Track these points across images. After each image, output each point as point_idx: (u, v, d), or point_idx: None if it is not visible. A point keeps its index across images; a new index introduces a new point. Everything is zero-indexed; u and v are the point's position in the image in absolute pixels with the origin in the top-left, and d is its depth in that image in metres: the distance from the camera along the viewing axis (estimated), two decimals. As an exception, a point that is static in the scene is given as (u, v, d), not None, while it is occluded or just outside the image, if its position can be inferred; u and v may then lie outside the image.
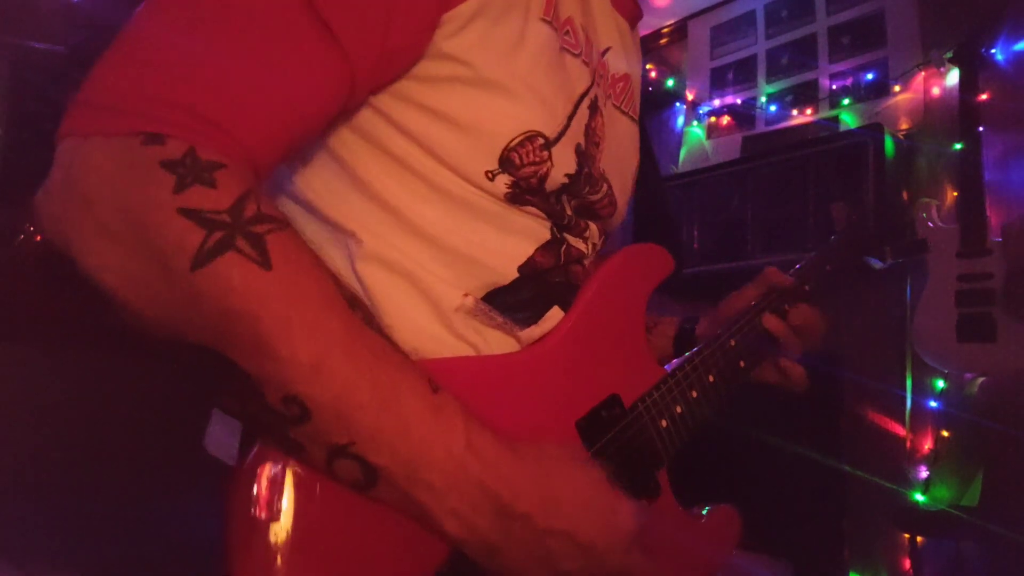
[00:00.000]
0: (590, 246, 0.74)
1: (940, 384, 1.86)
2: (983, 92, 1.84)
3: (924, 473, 1.85)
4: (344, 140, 0.60)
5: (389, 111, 0.59)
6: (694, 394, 0.77)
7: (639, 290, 0.75)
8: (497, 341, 0.64)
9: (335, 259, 0.61)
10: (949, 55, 1.95)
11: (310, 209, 0.62)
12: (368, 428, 0.48)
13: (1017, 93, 1.85)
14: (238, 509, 0.50)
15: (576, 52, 0.67)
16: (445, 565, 0.55)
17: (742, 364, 0.86)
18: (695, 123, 2.63)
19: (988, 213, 1.77)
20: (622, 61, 0.76)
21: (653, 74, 2.72)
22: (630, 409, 0.71)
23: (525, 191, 0.63)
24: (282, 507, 0.50)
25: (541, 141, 0.61)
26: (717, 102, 2.58)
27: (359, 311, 0.54)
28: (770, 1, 2.48)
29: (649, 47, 2.84)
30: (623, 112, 0.78)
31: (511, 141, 0.60)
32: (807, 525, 1.74)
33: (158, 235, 0.44)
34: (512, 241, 0.64)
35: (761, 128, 2.43)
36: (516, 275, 0.65)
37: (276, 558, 0.49)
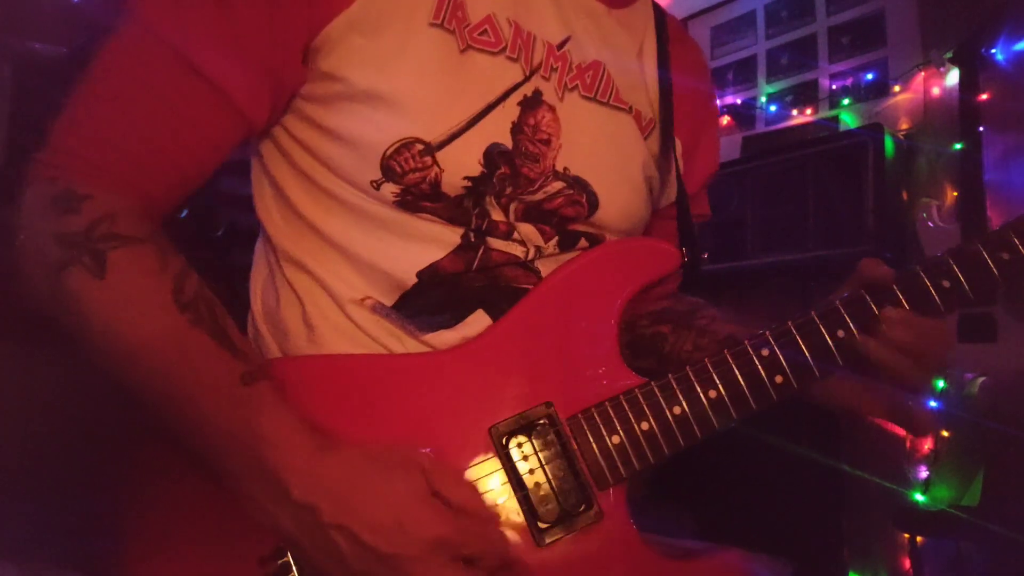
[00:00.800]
0: (531, 248, 0.69)
1: (940, 384, 1.86)
2: (983, 92, 1.84)
3: (924, 473, 1.85)
4: (270, 154, 0.68)
5: (291, 128, 0.66)
6: (676, 411, 0.62)
7: (614, 290, 0.66)
8: (408, 346, 0.65)
9: (265, 266, 0.71)
10: (949, 55, 1.95)
11: (262, 227, 0.71)
12: (174, 412, 0.56)
13: (1017, 93, 1.85)
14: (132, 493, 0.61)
15: (494, 50, 0.66)
16: (272, 553, 0.58)
17: (779, 380, 0.65)
18: (695, 123, 2.63)
19: (988, 213, 1.77)
20: (590, 48, 0.71)
21: (653, 74, 2.72)
22: (567, 420, 0.62)
23: (419, 197, 0.63)
24: (153, 486, 0.62)
25: (420, 147, 0.62)
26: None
27: (205, 319, 0.58)
28: (770, 1, 2.48)
29: (649, 47, 2.84)
30: (598, 102, 0.71)
31: (387, 150, 0.61)
32: (807, 525, 1.74)
33: (42, 251, 0.57)
34: (415, 248, 0.65)
35: (761, 128, 2.43)
36: (415, 280, 0.65)
37: (150, 526, 0.60)
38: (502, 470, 0.60)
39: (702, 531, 1.48)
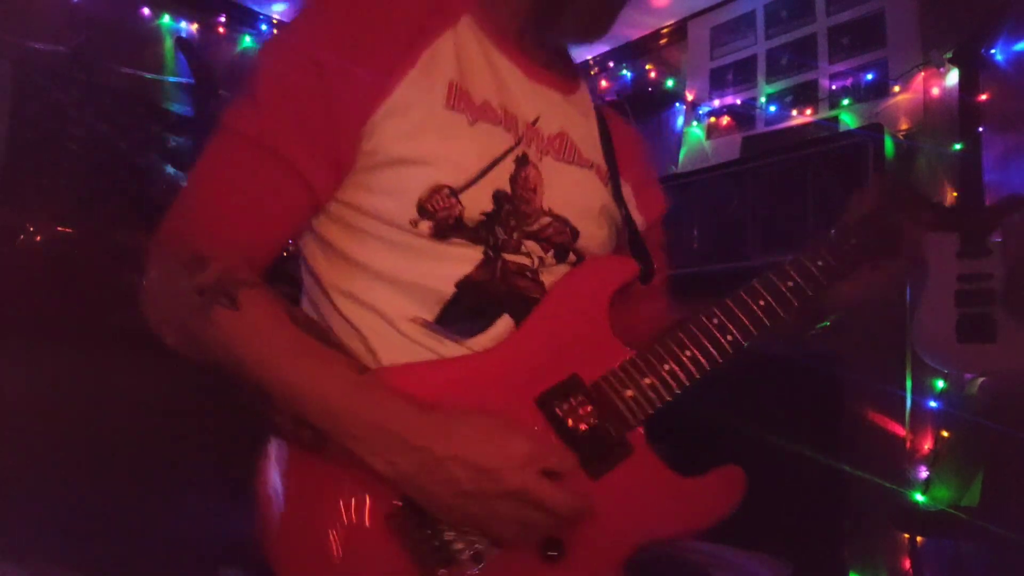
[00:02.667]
0: (535, 259, 0.88)
1: (940, 384, 1.86)
2: (983, 92, 1.84)
3: (924, 473, 1.85)
4: (318, 218, 0.87)
5: (339, 194, 0.84)
6: (666, 367, 0.83)
7: (600, 290, 0.88)
8: (456, 351, 0.82)
9: (320, 303, 0.87)
10: (949, 55, 1.95)
11: (313, 274, 0.88)
12: (306, 400, 0.71)
13: (1017, 93, 1.85)
14: (260, 489, 0.77)
15: (495, 122, 0.87)
16: (394, 509, 0.73)
17: (729, 339, 0.85)
18: (695, 123, 2.63)
19: (988, 213, 1.77)
20: (554, 122, 0.94)
21: (653, 74, 2.73)
22: (590, 384, 0.82)
23: (448, 229, 0.82)
24: (282, 480, 0.76)
25: (447, 191, 0.81)
26: (717, 102, 2.58)
27: (314, 332, 0.78)
28: (770, 1, 2.48)
29: (649, 47, 2.84)
30: (566, 162, 0.94)
31: (422, 195, 0.80)
32: (807, 525, 1.74)
33: (180, 304, 0.74)
34: (447, 266, 0.83)
35: (761, 128, 2.43)
36: (454, 290, 0.83)
37: (281, 511, 0.75)
38: (552, 430, 0.78)
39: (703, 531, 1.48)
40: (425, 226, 0.81)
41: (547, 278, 0.88)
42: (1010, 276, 1.68)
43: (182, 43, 2.50)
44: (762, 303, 0.87)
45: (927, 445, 1.88)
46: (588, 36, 0.91)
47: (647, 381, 0.82)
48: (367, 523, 0.73)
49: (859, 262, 0.93)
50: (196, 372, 0.80)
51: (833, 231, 0.94)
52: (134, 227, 2.23)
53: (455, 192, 0.81)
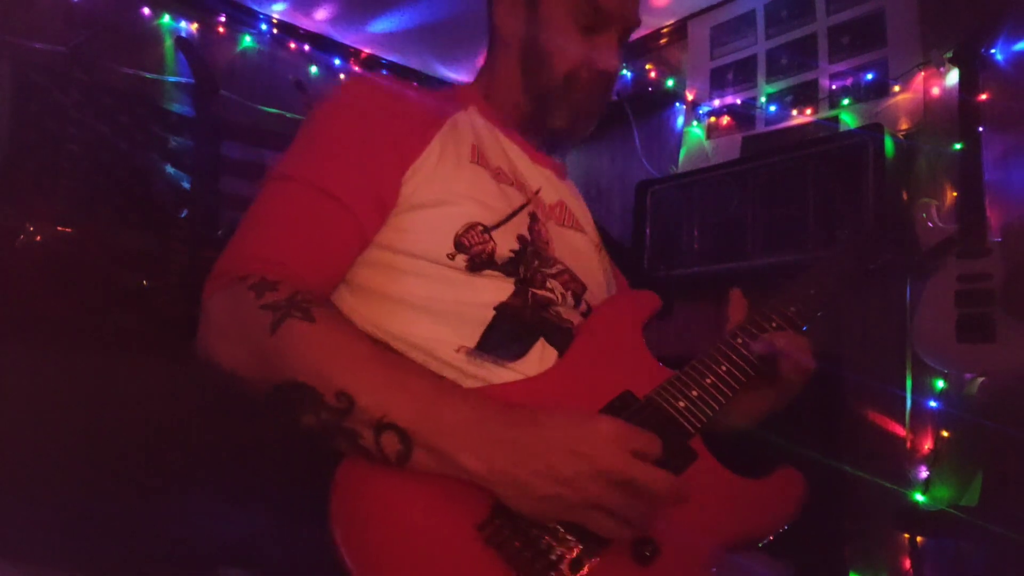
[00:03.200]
0: (558, 295, 0.95)
1: (940, 384, 1.86)
2: (983, 92, 1.84)
3: (924, 473, 1.85)
4: (354, 271, 0.91)
5: (376, 238, 0.89)
6: (708, 380, 0.89)
7: (634, 319, 0.96)
8: (503, 375, 0.85)
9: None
10: (949, 55, 1.95)
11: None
12: (393, 401, 0.70)
13: (1017, 93, 1.85)
14: (337, 511, 0.71)
15: (509, 183, 0.97)
16: (485, 520, 0.71)
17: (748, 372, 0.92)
18: (695, 123, 2.63)
19: (988, 213, 1.77)
20: (553, 194, 1.06)
21: (653, 74, 2.72)
22: (644, 399, 0.86)
23: (480, 264, 0.88)
24: (364, 501, 0.71)
25: (481, 227, 0.89)
26: (717, 102, 2.58)
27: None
28: (770, 1, 2.48)
29: (649, 47, 2.84)
30: (567, 227, 1.06)
31: (459, 230, 0.87)
32: (807, 525, 1.73)
33: (251, 322, 0.75)
34: (484, 293, 0.88)
35: (761, 128, 2.43)
36: (494, 313, 0.88)
37: (367, 533, 0.70)
38: (620, 419, 0.79)
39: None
40: (461, 259, 0.87)
41: (567, 316, 0.94)
42: (1010, 276, 1.68)
43: (182, 43, 2.50)
44: (775, 325, 0.95)
45: (927, 445, 1.88)
46: (572, 137, 1.06)
47: (694, 393, 0.86)
48: (461, 535, 0.71)
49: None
50: (196, 371, 0.80)
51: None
52: (134, 227, 2.23)
53: (488, 229, 0.89)
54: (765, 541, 0.84)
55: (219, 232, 2.22)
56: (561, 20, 0.99)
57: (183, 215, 2.20)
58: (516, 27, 1.03)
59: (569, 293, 0.97)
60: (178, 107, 2.49)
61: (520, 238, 0.93)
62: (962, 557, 1.78)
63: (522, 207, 0.96)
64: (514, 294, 0.90)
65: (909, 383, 1.94)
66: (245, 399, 0.78)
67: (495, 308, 0.88)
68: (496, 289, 0.89)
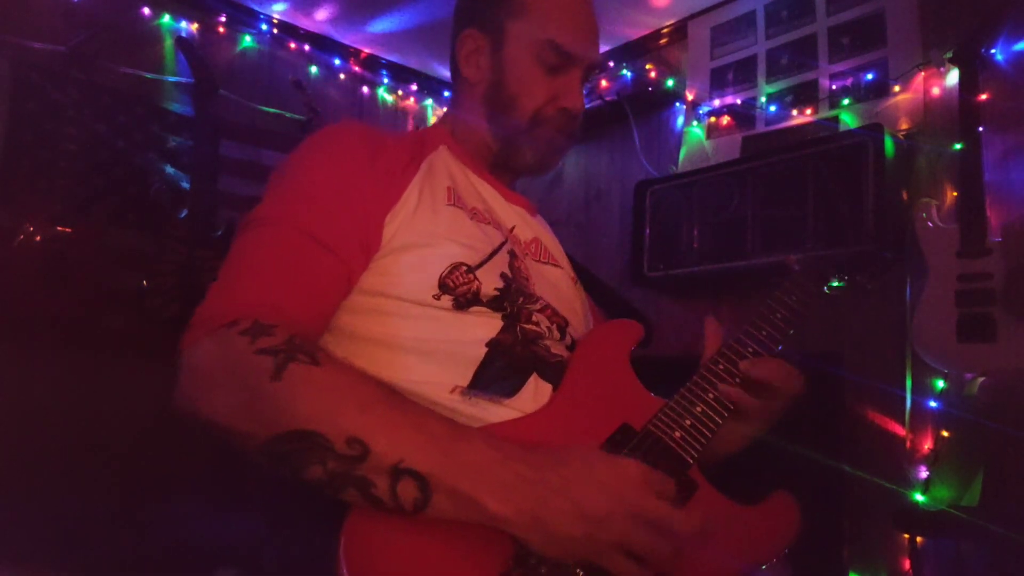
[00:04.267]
0: (545, 329, 0.95)
1: (940, 384, 1.86)
2: (983, 92, 1.84)
3: (924, 473, 1.85)
4: (338, 318, 0.89)
5: (359, 283, 0.89)
6: (698, 409, 0.89)
7: (620, 349, 0.96)
8: (501, 413, 0.83)
9: None
10: (949, 55, 1.94)
11: None
12: (410, 444, 0.67)
13: (1017, 93, 1.85)
14: (349, 569, 0.66)
15: (486, 222, 0.99)
16: (506, 569, 0.69)
17: (738, 380, 0.94)
18: (695, 123, 2.63)
19: (988, 213, 1.77)
20: (528, 231, 1.08)
21: (653, 74, 2.72)
22: (641, 430, 0.86)
23: (466, 303, 0.88)
24: (378, 554, 0.67)
25: (465, 268, 0.89)
26: (717, 102, 2.58)
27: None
28: (770, 1, 2.48)
29: (649, 47, 2.84)
30: (543, 263, 1.07)
31: (443, 272, 0.88)
32: (807, 525, 1.73)
33: (246, 369, 0.70)
34: (474, 330, 0.88)
35: (761, 128, 2.43)
36: (486, 349, 0.87)
37: None
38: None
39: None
40: (447, 300, 0.87)
41: (555, 350, 0.94)
42: (1010, 276, 1.68)
43: (182, 43, 2.50)
44: (751, 350, 0.96)
45: (927, 445, 1.88)
46: (539, 172, 1.08)
47: (687, 422, 0.87)
48: None
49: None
50: (280, 471, 0.72)
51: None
52: (133, 227, 2.23)
53: (472, 269, 0.90)
54: (768, 562, 0.85)
55: (218, 232, 2.21)
56: (526, 63, 1.01)
57: (182, 215, 2.20)
58: (481, 71, 1.05)
59: (554, 326, 0.98)
60: (177, 107, 2.49)
61: (503, 276, 0.94)
62: (962, 557, 1.78)
63: (501, 245, 0.97)
64: (503, 329, 0.90)
65: (909, 383, 1.94)
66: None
67: (487, 344, 0.88)
68: (485, 325, 0.89)
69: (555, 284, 1.06)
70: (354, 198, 0.88)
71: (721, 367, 0.93)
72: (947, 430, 1.83)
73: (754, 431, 0.98)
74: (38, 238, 1.98)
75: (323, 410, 0.67)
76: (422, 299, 0.87)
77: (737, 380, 0.92)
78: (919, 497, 1.82)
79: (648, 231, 2.46)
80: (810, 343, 2.03)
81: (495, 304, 0.91)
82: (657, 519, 0.68)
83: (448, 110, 1.13)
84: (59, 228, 2.02)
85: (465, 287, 0.89)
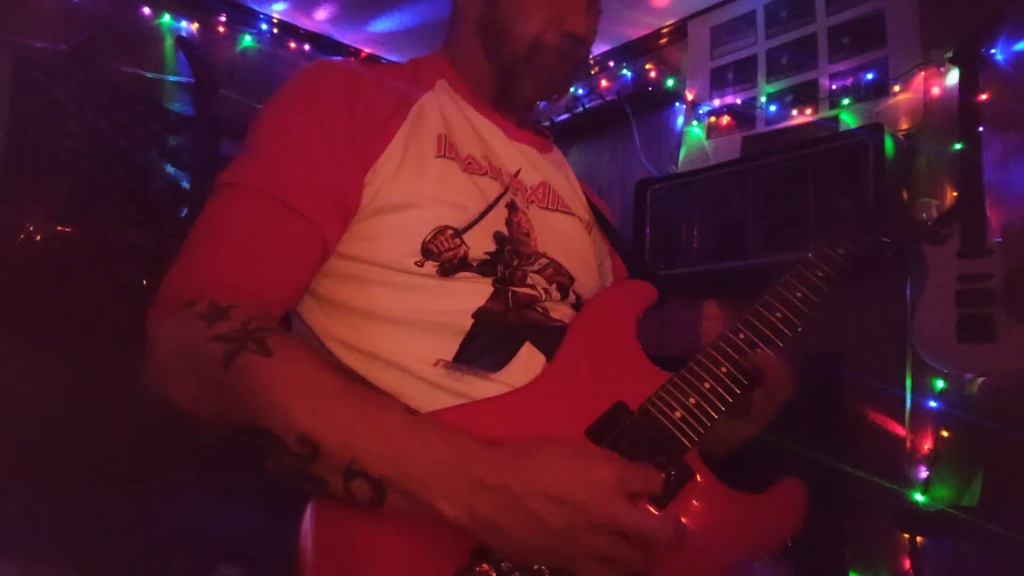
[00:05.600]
0: (541, 291, 0.88)
1: (940, 384, 1.86)
2: (983, 92, 1.84)
3: (924, 473, 1.85)
4: (316, 280, 0.83)
5: (339, 247, 0.82)
6: (706, 385, 0.81)
7: (626, 317, 0.87)
8: (486, 388, 0.77)
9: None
10: (949, 55, 1.95)
11: (316, 338, 0.83)
12: (362, 445, 0.63)
13: (1017, 93, 1.85)
14: (305, 558, 0.66)
15: (481, 173, 0.89)
16: (466, 566, 0.66)
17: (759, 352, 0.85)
18: (695, 123, 2.63)
19: (988, 213, 1.77)
20: (535, 175, 0.97)
21: (653, 74, 2.72)
22: (638, 410, 0.79)
23: (452, 268, 0.81)
24: (333, 550, 0.66)
25: (451, 231, 0.82)
26: (717, 102, 2.58)
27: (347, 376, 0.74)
28: (770, 1, 2.48)
29: (649, 47, 2.84)
30: (551, 210, 0.97)
31: (426, 236, 0.80)
32: (807, 525, 1.73)
33: (202, 357, 0.67)
34: (460, 299, 0.81)
35: (761, 128, 2.43)
36: (472, 321, 0.81)
37: None
38: (618, 457, 0.71)
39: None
40: (431, 267, 0.80)
41: (555, 314, 0.87)
42: (1010, 276, 1.68)
43: (182, 42, 2.50)
44: (779, 315, 0.86)
45: (927, 445, 1.88)
46: (548, 95, 0.98)
47: (691, 401, 0.79)
48: None
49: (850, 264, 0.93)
50: (241, 456, 0.71)
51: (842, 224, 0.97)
52: (133, 225, 2.23)
53: (459, 233, 0.82)
54: (764, 556, 0.79)
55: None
56: None
57: (182, 214, 2.20)
58: None
59: (554, 287, 0.89)
60: (178, 106, 2.49)
61: (497, 236, 0.85)
62: (962, 557, 1.78)
63: (498, 199, 0.88)
64: (493, 296, 0.82)
65: (909, 383, 1.94)
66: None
67: (473, 315, 0.81)
68: (472, 293, 0.82)
69: (562, 234, 0.95)
70: (328, 156, 0.80)
71: (742, 336, 0.84)
72: (947, 430, 1.83)
73: (753, 427, 0.90)
74: (39, 237, 1.98)
75: (273, 407, 0.64)
76: (404, 266, 0.80)
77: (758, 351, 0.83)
78: (919, 497, 1.83)
79: (648, 231, 2.46)
80: (810, 343, 2.03)
81: (485, 268, 0.83)
82: (626, 528, 0.63)
83: (445, 40, 1.01)
84: (60, 228, 2.02)
85: (451, 252, 0.81)
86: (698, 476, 0.77)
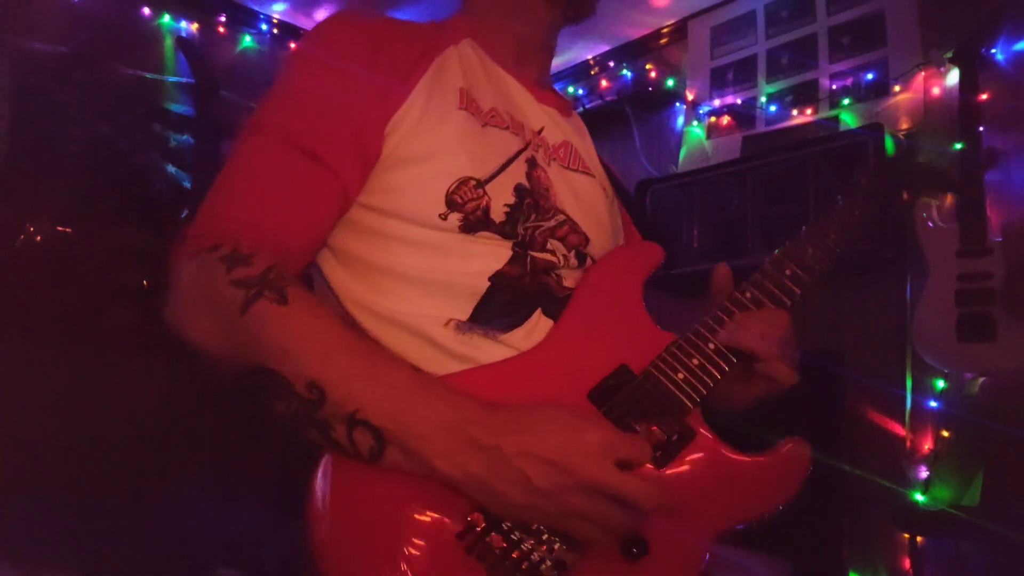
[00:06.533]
0: (560, 257, 0.89)
1: (940, 384, 1.86)
2: (983, 92, 1.84)
3: (924, 473, 1.85)
4: (336, 233, 0.85)
5: (361, 198, 0.83)
6: (711, 347, 0.82)
7: (632, 279, 0.88)
8: (493, 351, 0.79)
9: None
10: (949, 55, 1.95)
11: (336, 296, 0.84)
12: (366, 396, 0.66)
13: (1017, 93, 1.85)
14: (312, 510, 0.69)
15: (503, 127, 0.90)
16: (465, 527, 0.69)
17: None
18: (695, 123, 2.63)
19: (988, 213, 1.77)
20: (558, 134, 0.98)
21: (653, 74, 2.72)
22: (641, 373, 0.80)
23: (475, 222, 0.82)
24: (338, 499, 0.69)
25: (474, 182, 0.83)
26: (717, 102, 2.58)
27: (361, 330, 0.77)
28: (770, 1, 2.48)
29: (649, 47, 2.84)
30: (572, 170, 0.98)
31: (450, 187, 0.81)
32: (807, 524, 1.73)
33: (220, 300, 0.70)
34: (479, 261, 0.82)
35: (761, 128, 2.43)
36: (488, 284, 0.82)
37: (344, 534, 0.68)
38: (610, 423, 0.75)
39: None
40: (455, 219, 0.81)
41: (568, 281, 0.88)
42: (1010, 275, 1.68)
43: (182, 43, 2.51)
44: (788, 272, 0.89)
45: (927, 445, 1.88)
46: (579, 14, 0.99)
47: (695, 362, 0.80)
48: (438, 542, 0.68)
49: (863, 228, 0.95)
50: (195, 371, 0.76)
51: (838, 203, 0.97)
52: (134, 226, 2.23)
53: (481, 183, 0.83)
54: (761, 519, 0.79)
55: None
56: None
57: (183, 215, 2.20)
58: None
59: (572, 253, 0.90)
60: (178, 107, 2.49)
61: (517, 188, 0.86)
62: (962, 557, 1.78)
63: (519, 153, 0.89)
64: (511, 260, 0.84)
65: (909, 383, 1.94)
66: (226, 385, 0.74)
67: (490, 279, 0.82)
68: (492, 256, 0.83)
69: (581, 194, 0.96)
70: (350, 104, 0.81)
71: (749, 295, 0.86)
72: (947, 430, 1.83)
73: (757, 393, 0.89)
74: (39, 238, 1.98)
75: (285, 352, 0.67)
76: (428, 219, 0.81)
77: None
78: (919, 497, 1.83)
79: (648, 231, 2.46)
80: (810, 342, 2.04)
81: (506, 227, 0.84)
82: (610, 491, 0.66)
83: (464, 2, 1.03)
84: (60, 228, 2.02)
85: (474, 203, 0.82)
86: (699, 437, 0.78)
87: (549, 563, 0.69)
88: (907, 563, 1.86)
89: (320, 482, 0.69)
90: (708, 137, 2.59)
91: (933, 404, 1.87)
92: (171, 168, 2.38)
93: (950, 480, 1.82)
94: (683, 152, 2.64)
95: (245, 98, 2.63)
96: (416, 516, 0.69)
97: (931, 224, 1.84)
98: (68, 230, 2.03)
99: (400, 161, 0.82)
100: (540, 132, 0.96)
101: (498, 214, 0.84)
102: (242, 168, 0.81)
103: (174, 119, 2.45)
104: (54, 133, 2.13)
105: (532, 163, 0.90)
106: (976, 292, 1.72)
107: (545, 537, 0.69)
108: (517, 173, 0.87)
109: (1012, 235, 1.72)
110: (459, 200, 0.81)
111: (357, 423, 0.66)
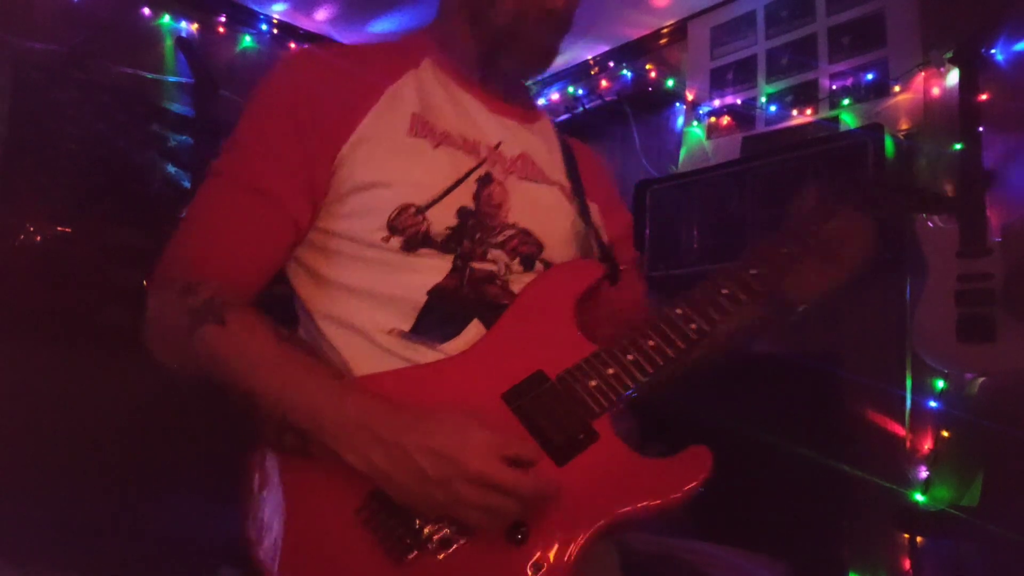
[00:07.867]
0: (502, 266, 0.95)
1: (940, 384, 1.86)
2: (983, 92, 1.84)
3: (924, 473, 1.85)
4: (301, 249, 0.95)
5: (318, 222, 0.93)
6: (629, 357, 0.86)
7: (568, 293, 0.95)
8: (431, 358, 0.88)
9: (308, 328, 0.95)
10: (949, 55, 1.95)
11: (300, 301, 0.96)
12: (289, 401, 0.77)
13: (1017, 93, 1.85)
14: (243, 490, 0.82)
15: (457, 147, 0.96)
16: (363, 504, 0.78)
17: (693, 327, 0.88)
18: (695, 123, 2.63)
19: (988, 214, 1.77)
20: (516, 147, 1.03)
21: (653, 74, 2.72)
22: (555, 378, 0.86)
23: (416, 243, 0.90)
24: (262, 480, 0.82)
25: (414, 209, 0.90)
26: (717, 102, 2.58)
27: (296, 345, 0.85)
28: (770, 1, 2.48)
29: (649, 47, 2.84)
30: (529, 180, 1.02)
31: (391, 214, 0.89)
32: (806, 525, 1.74)
33: (175, 326, 0.82)
34: (419, 276, 0.90)
35: (761, 128, 2.43)
36: (426, 297, 0.90)
37: (262, 509, 0.81)
38: (519, 422, 0.83)
39: (702, 531, 1.47)
40: (396, 241, 0.90)
41: (515, 286, 0.96)
42: (1010, 276, 1.68)
43: (182, 43, 2.50)
44: (725, 291, 0.89)
45: (927, 445, 1.88)
46: (530, 73, 1.06)
47: (611, 371, 0.86)
48: (341, 517, 0.78)
49: (809, 251, 0.95)
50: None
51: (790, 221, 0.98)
52: (133, 225, 2.23)
53: (421, 210, 0.91)
54: (659, 520, 0.82)
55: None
56: None
57: (183, 214, 2.20)
58: None
59: (516, 260, 0.97)
60: (178, 107, 2.49)
61: (461, 211, 0.93)
62: (962, 557, 1.78)
63: (469, 173, 0.95)
64: (451, 273, 0.92)
65: (909, 383, 1.94)
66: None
67: (428, 292, 0.91)
68: (432, 270, 0.91)
69: (539, 203, 1.02)
70: (298, 142, 0.90)
71: (679, 312, 0.88)
72: (947, 430, 1.83)
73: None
74: (38, 238, 1.98)
75: (224, 367, 0.79)
76: (372, 240, 0.90)
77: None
78: (919, 497, 1.83)
79: (648, 231, 2.46)
80: (810, 343, 2.03)
81: (448, 243, 0.92)
82: (493, 483, 0.72)
83: (434, 20, 1.08)
84: (59, 228, 2.02)
85: (414, 228, 0.90)
86: (603, 439, 0.83)
87: (437, 539, 0.77)
88: (907, 563, 1.86)
89: (252, 470, 0.82)
90: (708, 137, 2.59)
91: (933, 404, 1.87)
92: (170, 168, 2.38)
93: (950, 480, 1.82)
94: (683, 152, 2.64)
95: (245, 98, 2.63)
96: (324, 494, 0.79)
97: (931, 224, 1.84)
98: (67, 229, 2.02)
99: (352, 189, 0.90)
100: (497, 147, 1.01)
101: (438, 235, 0.92)
102: (199, 210, 0.93)
103: (173, 119, 2.45)
104: (53, 132, 2.13)
105: (486, 180, 0.96)
106: (976, 293, 1.72)
107: (436, 518, 0.77)
108: (463, 194, 0.94)
109: (1012, 236, 1.72)
110: (399, 226, 0.90)
111: (284, 424, 0.77)
